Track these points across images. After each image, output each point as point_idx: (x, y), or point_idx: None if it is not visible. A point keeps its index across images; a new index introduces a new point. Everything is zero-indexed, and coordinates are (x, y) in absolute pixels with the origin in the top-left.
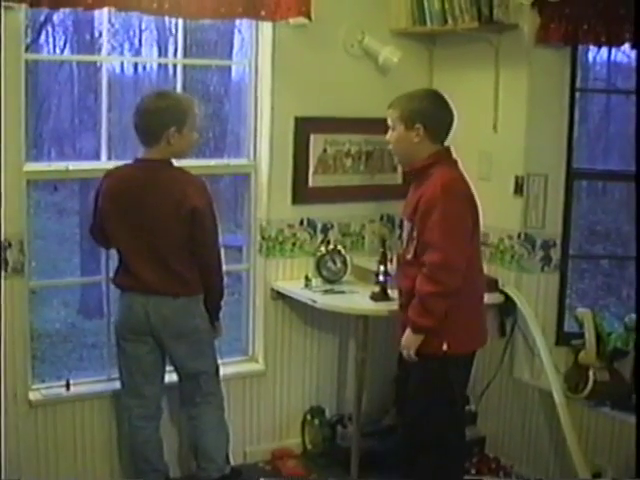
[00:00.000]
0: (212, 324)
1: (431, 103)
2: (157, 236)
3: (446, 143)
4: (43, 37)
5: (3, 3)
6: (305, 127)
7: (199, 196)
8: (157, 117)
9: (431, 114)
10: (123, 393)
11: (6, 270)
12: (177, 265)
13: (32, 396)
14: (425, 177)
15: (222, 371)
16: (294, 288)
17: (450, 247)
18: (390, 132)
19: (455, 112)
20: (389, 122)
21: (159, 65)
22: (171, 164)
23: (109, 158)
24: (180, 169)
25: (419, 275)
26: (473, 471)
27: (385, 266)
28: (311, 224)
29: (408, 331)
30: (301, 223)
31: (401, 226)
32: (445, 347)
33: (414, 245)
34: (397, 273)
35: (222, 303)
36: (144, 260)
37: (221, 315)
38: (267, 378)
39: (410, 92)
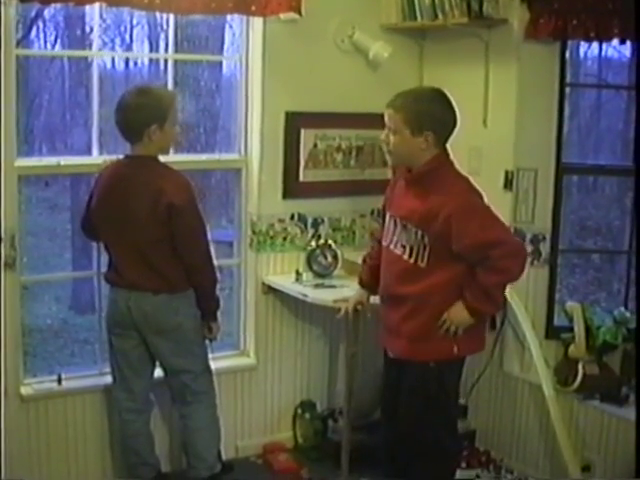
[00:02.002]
0: (208, 324)
1: (439, 106)
2: (138, 233)
3: None
4: (34, 32)
5: None
6: (296, 122)
7: (177, 193)
8: (137, 114)
9: (440, 119)
10: (114, 387)
11: None
12: (158, 261)
13: (24, 391)
14: (430, 181)
15: (213, 365)
16: (285, 282)
17: (509, 237)
18: (388, 132)
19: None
20: (389, 122)
21: (150, 60)
22: (155, 160)
23: (100, 153)
24: (162, 165)
25: (480, 268)
26: (463, 465)
27: None
28: (302, 219)
29: (462, 308)
30: (292, 218)
31: (384, 219)
32: (455, 350)
33: (428, 251)
34: (395, 280)
35: (217, 303)
36: (127, 256)
37: (219, 315)
38: (258, 372)
39: (414, 91)
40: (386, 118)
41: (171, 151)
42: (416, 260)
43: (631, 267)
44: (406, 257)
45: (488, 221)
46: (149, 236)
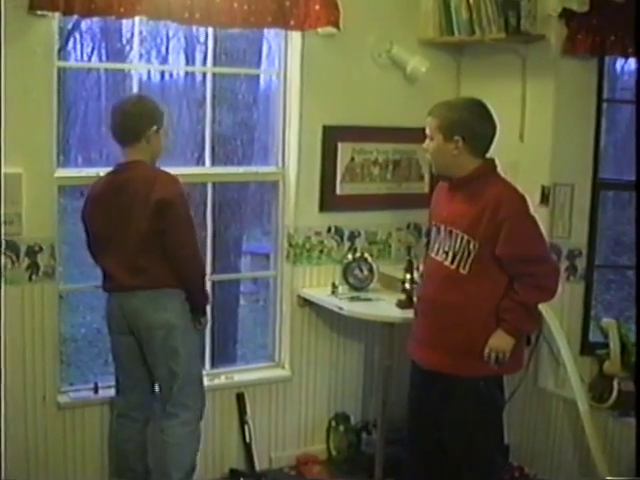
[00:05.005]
0: (197, 318)
1: (472, 114)
2: (127, 235)
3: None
4: (71, 44)
5: (38, 12)
6: (333, 135)
7: (165, 188)
8: (139, 116)
9: (471, 126)
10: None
11: (37, 274)
12: (144, 261)
13: (60, 399)
14: (477, 186)
15: (248, 376)
16: (321, 295)
17: (550, 255)
18: (428, 141)
19: (497, 123)
20: (427, 130)
21: (186, 73)
22: (145, 164)
23: None
24: (151, 167)
25: (520, 286)
26: None
27: (411, 274)
28: (338, 232)
29: (503, 334)
30: (328, 231)
31: (429, 234)
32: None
33: (472, 258)
34: (435, 287)
35: (206, 298)
36: (117, 259)
37: (208, 310)
38: (293, 384)
39: (451, 100)
40: (427, 125)
41: (208, 163)
42: (458, 266)
43: None
44: (447, 263)
45: (536, 235)
46: (139, 233)
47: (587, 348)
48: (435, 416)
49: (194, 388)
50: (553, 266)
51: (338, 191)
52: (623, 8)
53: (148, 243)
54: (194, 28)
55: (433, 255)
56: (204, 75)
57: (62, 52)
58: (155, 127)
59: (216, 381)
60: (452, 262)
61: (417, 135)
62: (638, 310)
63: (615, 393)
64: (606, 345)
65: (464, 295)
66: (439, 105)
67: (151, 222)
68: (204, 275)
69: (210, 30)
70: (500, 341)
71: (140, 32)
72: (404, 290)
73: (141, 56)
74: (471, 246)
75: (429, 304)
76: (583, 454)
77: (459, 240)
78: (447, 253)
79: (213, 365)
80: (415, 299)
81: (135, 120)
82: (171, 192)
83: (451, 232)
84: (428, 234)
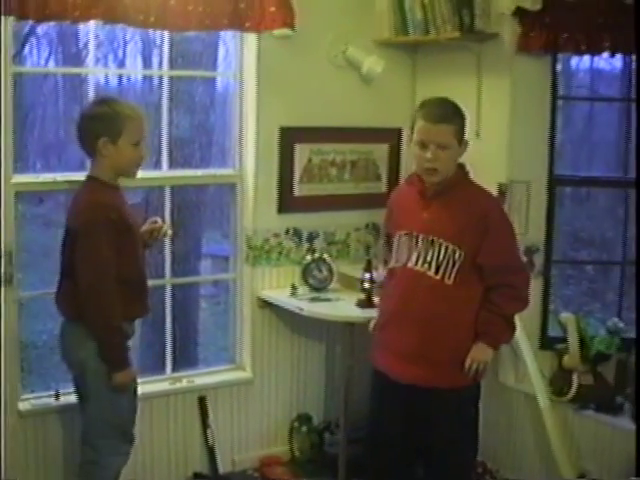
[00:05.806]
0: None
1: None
2: (63, 257)
3: None
4: (27, 49)
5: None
6: (290, 137)
7: (75, 215)
8: (90, 125)
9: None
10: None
11: None
12: (69, 286)
13: (21, 406)
14: (455, 194)
15: (210, 379)
16: (280, 296)
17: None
18: (438, 150)
19: None
20: (438, 138)
21: (143, 77)
22: (95, 180)
23: None
24: (90, 188)
25: (499, 297)
26: None
27: (370, 273)
28: (297, 233)
29: (485, 347)
30: (287, 232)
31: (389, 244)
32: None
33: (457, 268)
34: (421, 299)
35: (111, 351)
36: (59, 281)
37: (125, 368)
38: (254, 386)
39: (444, 102)
40: (434, 134)
41: (165, 166)
42: (443, 277)
43: (625, 278)
44: (431, 274)
45: (515, 244)
46: (63, 260)
47: (546, 343)
48: (404, 428)
49: (105, 432)
50: (528, 275)
51: (296, 192)
52: (575, 6)
53: (71, 270)
54: (151, 31)
55: (411, 265)
56: (161, 78)
57: (18, 57)
58: (105, 139)
59: (177, 385)
60: (436, 272)
61: (374, 135)
62: (638, 307)
63: (574, 387)
64: (565, 340)
65: (448, 305)
66: (444, 108)
67: (67, 248)
68: (103, 325)
69: (166, 33)
70: (482, 354)
71: (96, 36)
72: (364, 289)
73: (98, 60)
74: (456, 255)
75: (411, 317)
76: (544, 448)
77: (443, 249)
78: (430, 263)
79: (174, 369)
80: (384, 314)
81: (86, 128)
82: (78, 220)
83: (433, 241)
84: (388, 244)
